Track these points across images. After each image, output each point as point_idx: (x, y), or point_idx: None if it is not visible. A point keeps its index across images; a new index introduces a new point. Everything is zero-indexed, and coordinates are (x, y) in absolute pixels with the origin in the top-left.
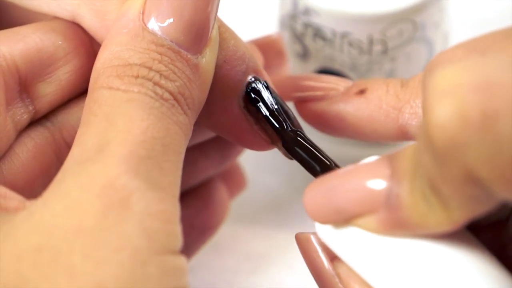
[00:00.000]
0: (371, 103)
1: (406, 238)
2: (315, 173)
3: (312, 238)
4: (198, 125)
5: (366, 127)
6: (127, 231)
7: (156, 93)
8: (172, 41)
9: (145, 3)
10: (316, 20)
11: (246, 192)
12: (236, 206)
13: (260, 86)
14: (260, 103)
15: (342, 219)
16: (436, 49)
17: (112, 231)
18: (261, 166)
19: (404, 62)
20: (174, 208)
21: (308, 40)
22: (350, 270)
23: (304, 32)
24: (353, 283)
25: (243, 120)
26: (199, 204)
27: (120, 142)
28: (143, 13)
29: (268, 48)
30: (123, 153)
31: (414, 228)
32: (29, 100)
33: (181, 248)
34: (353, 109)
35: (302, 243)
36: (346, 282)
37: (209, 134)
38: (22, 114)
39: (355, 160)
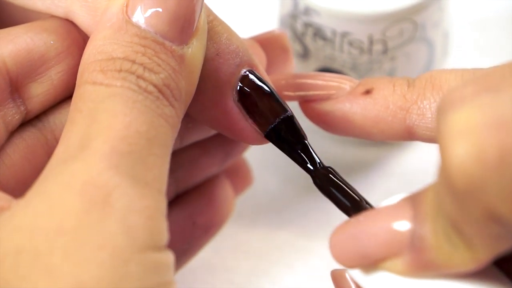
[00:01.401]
0: (378, 103)
1: (434, 279)
2: (346, 210)
3: (347, 275)
4: (197, 121)
5: (373, 127)
6: (108, 229)
7: (139, 86)
8: (156, 33)
9: None
10: (317, 20)
11: (246, 191)
12: (236, 206)
13: (253, 77)
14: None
15: (369, 263)
16: (436, 49)
17: (93, 230)
18: (262, 166)
19: (404, 62)
20: (158, 203)
21: (309, 40)
22: None
23: (304, 31)
24: None
25: (236, 114)
26: (201, 201)
27: (103, 138)
28: (127, 6)
29: (271, 44)
30: (105, 149)
31: (440, 268)
32: (20, 100)
33: (167, 243)
34: (359, 109)
35: (337, 279)
36: None
37: (210, 131)
38: (14, 114)
39: (358, 158)
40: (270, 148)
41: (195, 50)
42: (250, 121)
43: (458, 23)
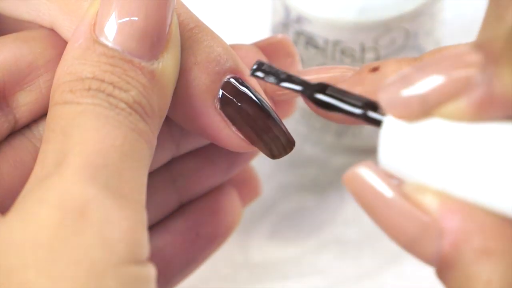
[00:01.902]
0: (388, 77)
1: (495, 122)
2: (359, 112)
3: (362, 171)
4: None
5: None
6: (84, 242)
7: (110, 103)
8: (124, 50)
9: (96, 15)
10: (308, 29)
11: None
12: None
13: (237, 84)
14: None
15: (424, 110)
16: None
17: (68, 243)
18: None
19: None
20: (137, 215)
21: (300, 49)
22: (419, 186)
23: (296, 40)
24: (426, 197)
25: (219, 122)
26: (205, 212)
27: (77, 153)
28: (94, 25)
29: (276, 50)
30: (79, 163)
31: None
32: (9, 109)
33: (149, 255)
34: (369, 86)
35: (352, 183)
36: (417, 199)
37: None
38: (2, 123)
39: (349, 166)
40: (262, 158)
41: (166, 64)
42: (234, 128)
43: (451, 32)
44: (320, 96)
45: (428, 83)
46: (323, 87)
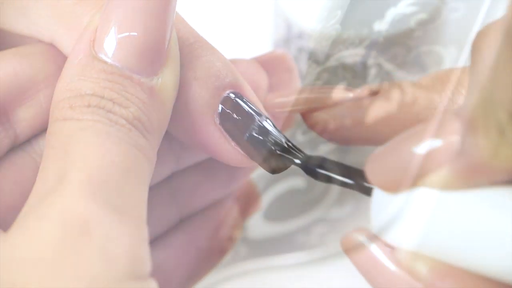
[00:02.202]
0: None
1: (479, 188)
2: (352, 182)
3: (362, 238)
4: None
5: (385, 126)
6: (86, 258)
7: (110, 120)
8: (124, 67)
9: (95, 30)
10: (310, 44)
11: None
12: None
13: (238, 101)
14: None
15: (409, 182)
16: (430, 73)
17: (70, 259)
18: None
19: None
20: (138, 231)
21: (302, 64)
22: (409, 253)
23: (298, 56)
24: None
25: (218, 137)
26: (206, 226)
27: (78, 169)
28: (93, 41)
29: (274, 65)
30: (81, 179)
31: (492, 170)
32: (9, 124)
33: (150, 271)
34: (369, 110)
35: (351, 250)
36: (409, 266)
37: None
38: (3, 138)
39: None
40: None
41: (165, 80)
42: (233, 143)
43: (453, 47)
44: (318, 170)
45: (410, 155)
46: (319, 161)
